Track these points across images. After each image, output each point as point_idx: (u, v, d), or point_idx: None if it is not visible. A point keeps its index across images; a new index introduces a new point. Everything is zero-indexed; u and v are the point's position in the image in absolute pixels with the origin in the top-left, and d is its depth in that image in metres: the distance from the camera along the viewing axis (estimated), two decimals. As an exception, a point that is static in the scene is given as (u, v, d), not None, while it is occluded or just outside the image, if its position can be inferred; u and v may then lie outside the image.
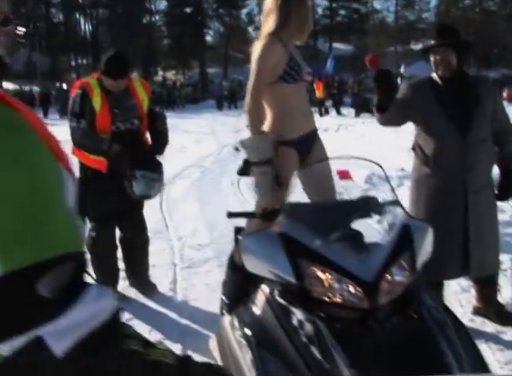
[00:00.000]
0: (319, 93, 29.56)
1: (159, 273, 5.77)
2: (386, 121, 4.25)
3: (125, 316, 4.77)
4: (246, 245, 2.70)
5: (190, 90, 46.14)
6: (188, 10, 68.87)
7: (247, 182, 10.41)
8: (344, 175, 3.16)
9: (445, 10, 66.11)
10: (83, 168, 4.97)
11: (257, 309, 2.69)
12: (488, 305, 4.41)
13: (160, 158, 5.11)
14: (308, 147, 3.88)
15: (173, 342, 4.31)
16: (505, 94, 33.78)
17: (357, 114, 26.67)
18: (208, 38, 72.59)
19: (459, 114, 4.00)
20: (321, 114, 28.00)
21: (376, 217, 2.96)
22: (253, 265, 2.70)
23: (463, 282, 4.83)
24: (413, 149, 4.29)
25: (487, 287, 4.41)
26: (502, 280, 5.07)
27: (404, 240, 2.60)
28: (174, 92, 41.12)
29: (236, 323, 2.73)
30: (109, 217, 5.05)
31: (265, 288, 2.71)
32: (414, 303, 2.50)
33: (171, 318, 4.83)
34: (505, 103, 19.89)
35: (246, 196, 9.17)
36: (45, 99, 35.71)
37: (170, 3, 70.80)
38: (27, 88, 39.63)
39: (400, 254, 2.55)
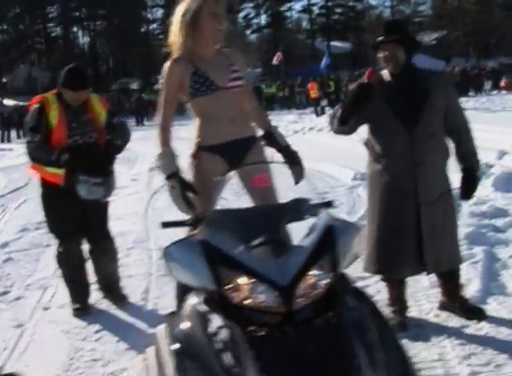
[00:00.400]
0: (313, 94, 29.62)
1: (134, 284, 5.80)
2: (341, 131, 4.18)
3: (95, 328, 4.84)
4: (169, 254, 2.69)
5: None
6: (184, 17, 68.85)
7: (234, 190, 10.46)
8: (261, 180, 3.13)
9: (441, 2, 65.96)
10: (43, 183, 5.07)
11: (183, 317, 2.68)
12: (453, 300, 4.38)
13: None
14: (240, 154, 3.87)
15: (137, 352, 4.32)
16: (503, 83, 33.71)
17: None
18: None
19: (407, 109, 3.97)
20: (317, 114, 28.00)
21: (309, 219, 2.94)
22: (177, 273, 2.69)
23: (434, 277, 4.79)
24: (366, 145, 4.28)
25: (449, 281, 4.38)
26: (472, 273, 5.07)
27: (326, 242, 2.58)
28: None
29: (166, 331, 2.73)
30: (73, 231, 5.08)
31: (191, 296, 2.71)
32: (336, 305, 2.48)
33: (139, 328, 4.85)
34: (503, 92, 19.82)
35: (233, 204, 9.18)
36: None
37: (166, 11, 70.96)
38: (26, 103, 39.88)
39: (321, 256, 2.53)
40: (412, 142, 3.97)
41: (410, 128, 3.97)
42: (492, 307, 4.48)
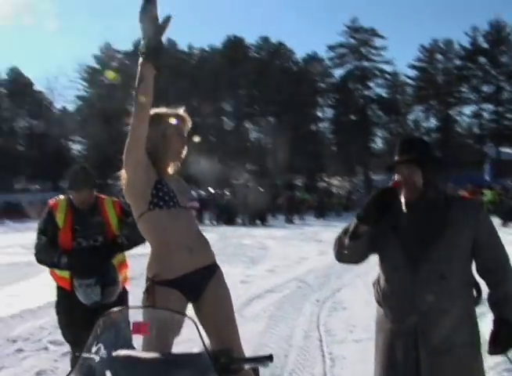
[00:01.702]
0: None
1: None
2: (348, 255, 3.43)
3: None
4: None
5: (345, 197, 45.76)
6: (353, 117, 69.74)
7: (335, 304, 9.87)
8: (140, 329, 2.59)
9: None
10: (57, 288, 4.94)
11: None
12: None
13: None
14: (199, 286, 3.48)
15: None
16: None
17: (504, 223, 25.21)
18: (374, 145, 72.71)
19: (415, 243, 3.27)
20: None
21: None
22: None
23: None
24: (373, 284, 3.60)
25: None
26: None
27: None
28: (324, 199, 41.08)
29: None
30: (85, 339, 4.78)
31: None
32: None
33: None
34: None
35: (322, 319, 8.64)
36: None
37: (336, 111, 72.24)
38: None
39: None
40: (415, 283, 3.26)
41: (415, 266, 3.27)
42: None
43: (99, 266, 4.65)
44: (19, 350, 7.03)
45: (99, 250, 4.74)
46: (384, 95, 71.37)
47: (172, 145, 3.59)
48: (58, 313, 4.93)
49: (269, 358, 2.57)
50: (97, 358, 2.40)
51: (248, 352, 6.69)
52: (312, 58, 73.34)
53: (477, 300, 3.42)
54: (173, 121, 3.62)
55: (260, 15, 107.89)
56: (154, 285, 3.42)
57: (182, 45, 75.00)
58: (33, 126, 67.45)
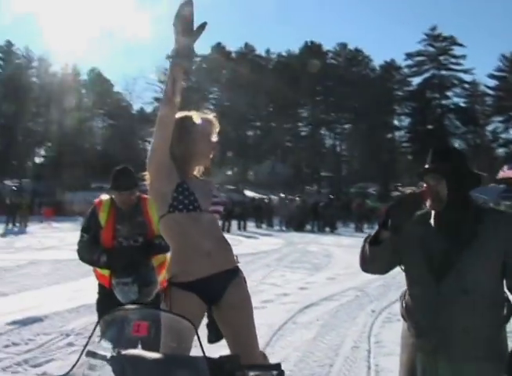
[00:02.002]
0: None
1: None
2: (371, 263, 3.34)
3: None
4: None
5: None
6: (430, 127, 68.69)
7: (390, 315, 9.70)
8: (139, 329, 2.60)
9: None
10: (98, 286, 5.06)
11: None
12: None
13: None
14: (218, 290, 3.45)
15: None
16: None
17: None
18: (450, 155, 71.39)
19: (438, 257, 3.15)
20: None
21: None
22: None
23: None
24: (400, 297, 3.52)
25: None
26: None
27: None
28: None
29: None
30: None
31: None
32: None
33: None
34: None
35: (375, 330, 8.54)
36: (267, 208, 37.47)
37: (413, 119, 71.32)
38: (264, 197, 41.74)
39: None
40: (437, 298, 3.14)
41: (437, 281, 3.14)
42: None
43: (137, 266, 4.72)
44: (70, 344, 7.22)
45: (139, 250, 4.81)
46: (462, 104, 70.32)
47: (200, 149, 3.59)
48: (97, 310, 5.00)
49: (277, 367, 2.56)
50: (104, 353, 2.44)
51: (294, 358, 6.75)
52: (390, 65, 72.70)
53: (507, 318, 3.30)
54: (201, 124, 3.61)
55: (338, 21, 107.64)
56: (171, 287, 3.43)
57: (260, 50, 75.65)
58: (111, 126, 69.05)
